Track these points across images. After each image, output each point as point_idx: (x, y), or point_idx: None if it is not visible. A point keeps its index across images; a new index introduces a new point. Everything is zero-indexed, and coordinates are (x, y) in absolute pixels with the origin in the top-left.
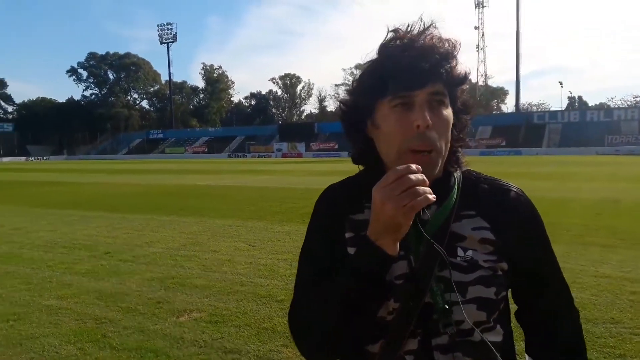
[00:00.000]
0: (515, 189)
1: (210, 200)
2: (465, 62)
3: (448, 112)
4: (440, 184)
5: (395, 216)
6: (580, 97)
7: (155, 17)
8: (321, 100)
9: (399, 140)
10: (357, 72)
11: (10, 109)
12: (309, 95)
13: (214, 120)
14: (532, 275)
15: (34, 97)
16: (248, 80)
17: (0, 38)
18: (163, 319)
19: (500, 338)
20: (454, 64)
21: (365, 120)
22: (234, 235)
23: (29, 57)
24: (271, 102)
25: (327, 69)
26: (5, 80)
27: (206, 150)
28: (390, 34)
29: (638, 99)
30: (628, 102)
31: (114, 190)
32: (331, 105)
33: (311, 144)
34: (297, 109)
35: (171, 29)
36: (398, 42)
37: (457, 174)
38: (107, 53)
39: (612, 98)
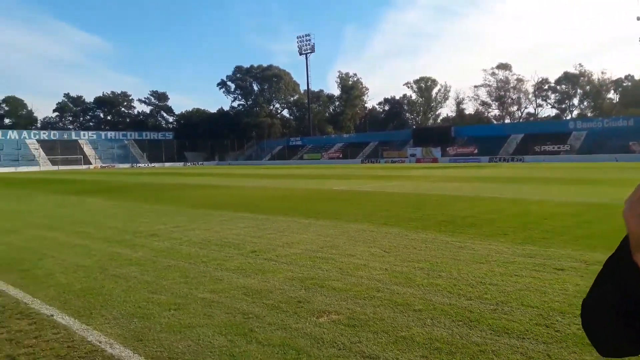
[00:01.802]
0: None
1: (345, 204)
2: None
3: None
4: None
5: (637, 233)
6: None
7: (295, 29)
8: (459, 103)
9: None
10: (499, 72)
11: (170, 119)
12: (445, 98)
13: (348, 126)
14: None
15: (190, 108)
16: (382, 85)
17: (163, 57)
18: (304, 319)
19: None
20: None
21: None
22: (369, 240)
23: (186, 72)
24: (405, 107)
25: (465, 70)
26: (167, 94)
27: (341, 155)
28: None
29: None
30: None
31: (258, 193)
32: (470, 108)
33: (448, 149)
34: (432, 113)
35: (309, 40)
36: None
37: None
38: (252, 66)
39: None
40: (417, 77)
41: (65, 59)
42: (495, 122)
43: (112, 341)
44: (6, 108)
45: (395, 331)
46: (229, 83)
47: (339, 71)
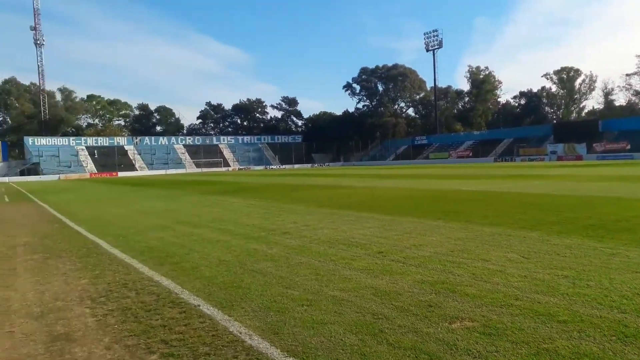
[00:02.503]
0: None
1: (476, 205)
2: None
3: None
4: None
5: None
6: None
7: (420, 26)
8: (607, 94)
9: None
10: None
11: (299, 123)
12: (591, 89)
13: (479, 123)
14: None
15: (317, 111)
16: (517, 78)
17: (293, 64)
18: (435, 323)
19: None
20: None
21: None
22: (505, 245)
23: (314, 77)
24: (544, 100)
25: (614, 57)
26: (297, 99)
27: (471, 154)
28: None
29: None
30: None
31: (383, 193)
32: (621, 99)
33: (594, 145)
34: (575, 106)
35: (437, 35)
36: None
37: None
38: (377, 67)
39: None
40: (558, 68)
41: (208, 70)
42: None
43: (251, 332)
44: (158, 117)
45: (537, 343)
46: (354, 85)
47: (469, 65)
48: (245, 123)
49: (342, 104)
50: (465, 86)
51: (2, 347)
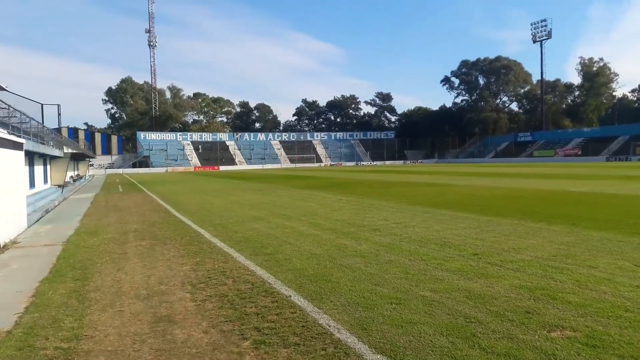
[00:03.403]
0: None
1: (584, 208)
2: None
3: None
4: None
5: None
6: None
7: (527, 16)
8: None
9: None
10: None
11: (393, 118)
12: None
13: (590, 119)
14: None
15: (412, 107)
16: (636, 71)
17: (388, 59)
18: (532, 330)
19: None
20: None
21: None
22: (615, 252)
23: (409, 72)
24: None
25: None
26: (391, 95)
27: (580, 152)
28: None
29: None
30: None
31: (480, 192)
32: None
33: None
34: None
35: (545, 25)
36: None
37: None
38: (478, 59)
39: None
40: None
41: (303, 67)
42: None
43: (339, 326)
44: (257, 114)
45: None
46: (452, 79)
47: (581, 57)
48: (338, 119)
49: (439, 98)
50: (576, 79)
51: (113, 324)
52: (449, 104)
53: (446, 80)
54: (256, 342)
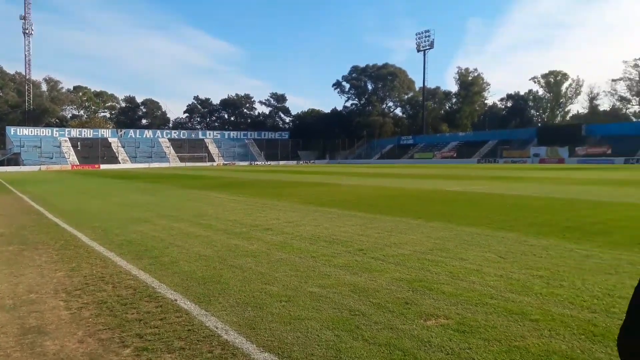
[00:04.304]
0: None
1: (457, 206)
2: None
3: None
4: None
5: None
6: None
7: (415, 25)
8: (592, 99)
9: None
10: None
11: (287, 119)
12: (577, 94)
13: (465, 124)
14: None
15: (305, 109)
16: (506, 81)
17: (284, 60)
18: (410, 320)
19: None
20: None
21: None
22: (483, 245)
23: (304, 74)
24: (530, 103)
25: (602, 62)
26: (285, 96)
27: (455, 155)
28: None
29: None
30: None
31: (367, 192)
32: (605, 104)
33: (576, 149)
34: (560, 110)
35: (429, 36)
36: None
37: None
38: (367, 65)
39: None
40: (546, 71)
41: (197, 64)
42: (634, 119)
43: (227, 327)
44: (144, 110)
45: (509, 340)
46: (343, 83)
47: (458, 67)
48: (232, 118)
49: (331, 102)
50: (453, 87)
51: None
52: (340, 107)
53: (337, 85)
54: (138, 349)
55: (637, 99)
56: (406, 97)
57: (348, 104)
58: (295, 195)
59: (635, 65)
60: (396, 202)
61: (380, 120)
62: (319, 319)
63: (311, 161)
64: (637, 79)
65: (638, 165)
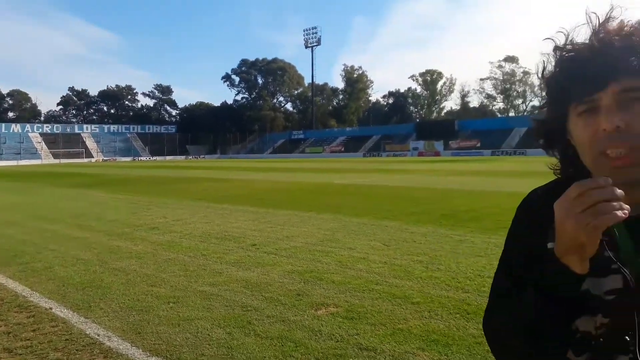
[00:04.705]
0: None
1: (346, 198)
2: None
3: None
4: None
5: (577, 236)
6: None
7: (303, 21)
8: (464, 96)
9: (590, 146)
10: (506, 65)
11: (174, 112)
12: (450, 91)
13: (351, 120)
14: None
15: (194, 101)
16: (388, 78)
17: (170, 51)
18: (302, 311)
19: None
20: None
21: (565, 131)
22: (369, 234)
23: (192, 66)
24: (409, 100)
25: (472, 62)
26: (171, 88)
27: (343, 149)
28: (565, 33)
29: None
30: None
31: (259, 186)
32: (475, 101)
33: (450, 142)
34: (436, 106)
35: (316, 32)
36: (572, 45)
37: None
38: (257, 59)
39: None
40: (423, 70)
41: (73, 52)
42: (499, 115)
43: (110, 334)
44: (10, 102)
45: (393, 323)
46: (233, 76)
47: (344, 64)
48: (113, 111)
49: (221, 95)
50: (340, 84)
51: None
52: (230, 101)
53: (227, 78)
54: None
55: (502, 96)
56: (296, 92)
57: (239, 97)
58: (184, 192)
59: (500, 66)
60: (288, 195)
61: (272, 115)
62: (209, 318)
63: (201, 156)
64: (502, 78)
65: (503, 157)
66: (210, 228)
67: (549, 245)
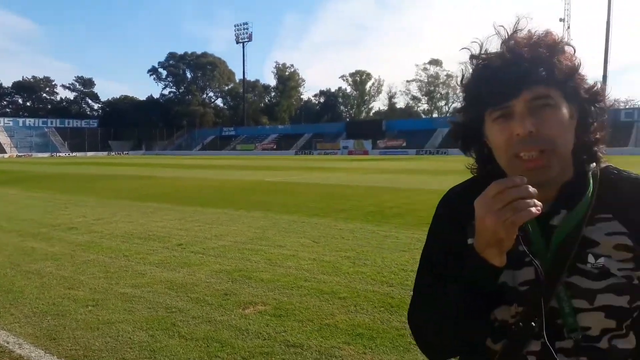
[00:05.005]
0: None
1: (277, 196)
2: (574, 51)
3: (559, 112)
4: (571, 187)
5: (496, 231)
6: None
7: (234, 16)
8: (391, 97)
9: (505, 149)
10: (431, 68)
11: (96, 106)
12: (379, 92)
13: (283, 117)
14: None
15: (117, 95)
16: (319, 77)
17: (90, 39)
18: (229, 311)
19: (632, 345)
20: (554, 60)
21: (481, 133)
22: (299, 231)
23: (116, 57)
24: (340, 100)
25: (400, 64)
26: (93, 80)
27: (275, 147)
28: (480, 43)
29: None
30: None
31: (187, 184)
32: (401, 102)
33: (378, 142)
34: (365, 106)
35: (247, 28)
36: (487, 55)
37: (594, 172)
38: (186, 53)
39: None
40: (353, 70)
41: None
42: (424, 116)
43: (21, 341)
44: None
45: (320, 319)
46: (160, 70)
47: (276, 61)
48: (28, 104)
49: (147, 88)
50: (272, 81)
51: None
52: (157, 95)
53: (154, 71)
54: None
55: (426, 98)
56: (227, 88)
57: (166, 91)
58: (106, 190)
59: (425, 69)
60: (218, 194)
61: (201, 110)
62: (131, 320)
63: (124, 152)
64: (426, 80)
65: (427, 156)
66: (133, 228)
67: (469, 241)
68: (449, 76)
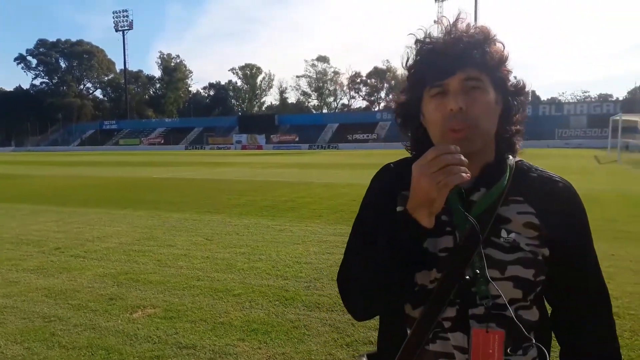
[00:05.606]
0: (563, 181)
1: (166, 193)
2: (503, 47)
3: (487, 95)
4: (491, 168)
5: (430, 192)
6: (533, 92)
7: (113, 4)
8: (282, 92)
9: (439, 123)
10: (319, 64)
11: None
12: (270, 87)
13: (170, 110)
14: (571, 268)
15: None
16: (208, 70)
17: None
18: (116, 316)
19: (536, 317)
20: (486, 48)
21: (419, 112)
22: (191, 229)
23: None
24: (231, 93)
25: (289, 59)
26: None
27: (162, 141)
28: (424, 30)
29: (586, 95)
30: (577, 97)
31: (65, 183)
32: (292, 97)
33: (271, 136)
34: (257, 101)
35: (127, 16)
36: (430, 39)
37: (511, 162)
38: (59, 40)
39: (563, 93)
40: (243, 64)
41: None
42: (314, 111)
43: None
44: None
45: (214, 318)
46: (29, 58)
47: (160, 51)
48: None
49: (14, 79)
50: (157, 72)
51: None
52: (26, 86)
53: (22, 59)
54: None
55: (316, 94)
56: (106, 78)
57: (37, 82)
58: None
59: (313, 65)
60: (99, 192)
61: (79, 103)
62: (3, 333)
63: None
64: (315, 76)
65: (319, 150)
66: (3, 232)
67: (398, 209)
68: (336, 73)
